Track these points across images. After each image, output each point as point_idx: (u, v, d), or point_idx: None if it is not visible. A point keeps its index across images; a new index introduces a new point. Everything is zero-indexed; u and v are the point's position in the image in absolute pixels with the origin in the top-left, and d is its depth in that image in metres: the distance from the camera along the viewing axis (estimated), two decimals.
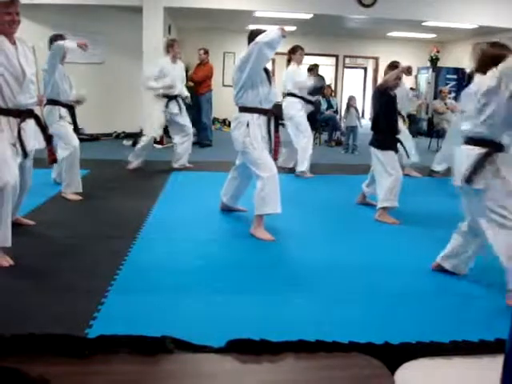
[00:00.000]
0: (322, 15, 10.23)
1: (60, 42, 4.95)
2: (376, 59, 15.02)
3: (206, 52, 9.99)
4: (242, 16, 10.67)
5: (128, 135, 10.44)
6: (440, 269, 3.52)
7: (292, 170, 7.13)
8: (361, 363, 1.38)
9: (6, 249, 3.41)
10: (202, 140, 9.77)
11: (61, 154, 5.13)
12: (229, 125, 9.76)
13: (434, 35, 12.81)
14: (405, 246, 4.23)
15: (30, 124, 3.65)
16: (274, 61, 12.59)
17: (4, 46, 3.36)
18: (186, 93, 7.38)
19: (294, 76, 7.10)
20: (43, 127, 3.88)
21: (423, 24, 10.79)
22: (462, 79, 12.42)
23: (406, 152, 5.39)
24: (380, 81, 6.14)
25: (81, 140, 5.77)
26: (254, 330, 2.49)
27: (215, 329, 2.55)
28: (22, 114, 3.54)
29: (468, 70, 12.08)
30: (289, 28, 4.51)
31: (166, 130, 9.76)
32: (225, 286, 3.23)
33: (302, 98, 7.15)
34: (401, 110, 6.62)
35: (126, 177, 6.68)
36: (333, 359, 1.33)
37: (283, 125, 7.28)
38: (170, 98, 6.95)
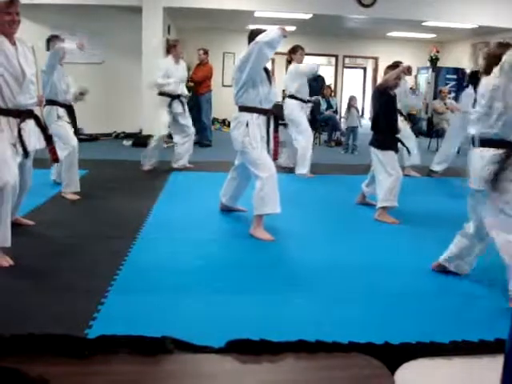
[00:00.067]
0: (321, 15, 10.24)
1: (60, 45, 4.96)
2: (375, 59, 15.02)
3: (206, 52, 9.99)
4: (242, 16, 10.68)
5: (128, 135, 10.45)
6: (441, 269, 3.51)
7: (292, 170, 7.13)
8: (361, 363, 1.38)
9: (5, 249, 3.41)
10: (201, 140, 9.77)
11: (60, 154, 5.13)
12: (228, 125, 9.76)
13: (433, 35, 12.81)
14: (404, 245, 4.23)
15: (30, 124, 3.65)
16: (273, 61, 12.59)
17: (4, 47, 3.36)
18: (187, 92, 7.38)
19: (296, 75, 7.10)
20: (43, 127, 3.88)
21: (423, 24, 10.79)
22: (462, 79, 12.42)
23: (408, 150, 5.38)
24: (380, 81, 6.13)
25: (80, 140, 5.78)
26: (254, 329, 2.49)
27: (215, 329, 2.55)
28: (22, 114, 3.54)
29: (468, 71, 12.12)
30: (288, 28, 4.50)
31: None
32: (225, 285, 3.22)
33: (301, 99, 7.14)
34: (401, 108, 6.61)
35: (126, 177, 6.67)
36: (333, 359, 1.33)
37: (285, 125, 7.29)
38: (173, 97, 6.95)
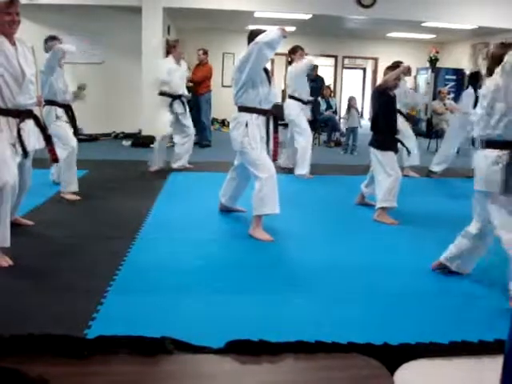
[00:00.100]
0: (321, 16, 10.25)
1: (59, 46, 4.98)
2: (375, 60, 15.03)
3: (205, 52, 9.99)
4: (242, 16, 10.68)
5: (127, 135, 10.45)
6: (441, 268, 3.51)
7: (292, 171, 7.13)
8: (360, 364, 1.38)
9: (4, 249, 3.41)
10: (201, 140, 9.77)
11: (59, 154, 5.13)
12: (228, 125, 9.77)
13: (433, 36, 12.82)
14: (404, 246, 4.23)
15: (29, 124, 3.65)
16: (273, 61, 12.60)
17: (4, 47, 3.36)
18: (187, 93, 7.38)
19: (295, 76, 7.11)
20: (42, 127, 3.88)
21: (423, 25, 10.80)
22: (461, 80, 12.43)
23: (408, 151, 5.38)
24: (379, 81, 6.14)
25: (79, 140, 5.77)
26: (254, 330, 2.49)
27: (214, 329, 2.55)
28: (22, 114, 3.54)
29: (467, 72, 12.12)
30: (288, 28, 4.50)
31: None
32: (224, 286, 3.22)
33: (300, 100, 7.14)
34: (401, 108, 6.61)
35: (125, 177, 6.67)
36: (332, 360, 1.32)
37: (285, 125, 7.30)
38: (174, 97, 6.94)
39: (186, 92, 7.24)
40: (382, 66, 10.86)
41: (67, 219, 4.68)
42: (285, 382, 1.23)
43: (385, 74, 5.08)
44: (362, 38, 13.85)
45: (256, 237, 4.19)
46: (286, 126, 7.64)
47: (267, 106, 4.34)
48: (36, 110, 3.86)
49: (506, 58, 2.92)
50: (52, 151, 3.99)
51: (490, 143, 3.10)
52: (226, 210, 4.95)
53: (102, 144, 9.97)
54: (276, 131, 4.46)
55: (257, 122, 4.28)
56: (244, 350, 1.25)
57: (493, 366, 1.56)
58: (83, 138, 8.81)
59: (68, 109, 5.33)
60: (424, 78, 13.26)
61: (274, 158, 4.49)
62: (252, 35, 4.21)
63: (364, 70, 18.06)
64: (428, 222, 4.89)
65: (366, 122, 11.59)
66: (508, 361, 1.42)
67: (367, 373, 1.37)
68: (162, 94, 6.99)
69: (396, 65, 5.24)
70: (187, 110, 7.11)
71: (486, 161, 3.08)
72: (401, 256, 3.95)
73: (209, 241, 4.14)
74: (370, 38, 13.86)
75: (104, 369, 1.08)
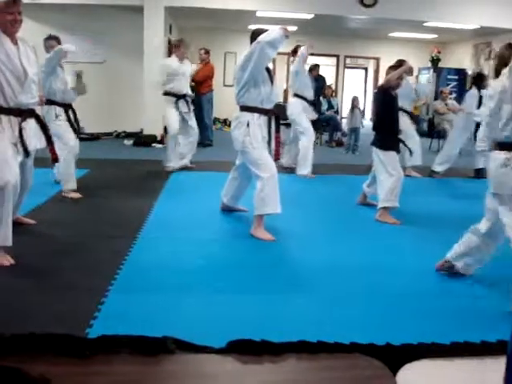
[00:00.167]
0: (323, 15, 10.25)
1: (61, 47, 4.99)
2: (377, 60, 15.02)
3: (207, 52, 9.98)
4: (244, 16, 10.68)
5: (128, 135, 10.45)
6: (446, 268, 3.46)
7: (294, 171, 7.13)
8: (362, 364, 1.37)
9: (6, 248, 3.41)
10: (202, 140, 9.76)
11: (59, 153, 5.13)
12: (229, 125, 9.77)
13: (435, 35, 12.81)
14: (406, 246, 4.22)
15: (30, 123, 3.65)
16: (274, 60, 12.58)
17: (6, 46, 3.36)
18: (191, 92, 7.36)
19: (296, 75, 7.12)
20: (44, 127, 3.88)
21: (424, 24, 10.80)
22: (463, 80, 12.42)
23: (410, 151, 5.37)
24: (381, 81, 6.13)
25: (81, 139, 5.77)
26: (255, 329, 2.49)
27: (216, 328, 2.55)
28: (24, 113, 3.54)
29: (469, 72, 12.12)
30: (290, 28, 4.50)
31: (165, 129, 9.79)
32: (226, 285, 3.22)
33: (304, 98, 7.14)
34: (407, 106, 6.59)
35: (127, 176, 6.68)
36: (334, 360, 1.32)
37: (287, 125, 7.29)
38: (179, 97, 6.93)
39: (189, 91, 7.23)
40: (384, 65, 10.84)
41: (69, 218, 4.68)
42: (287, 381, 1.23)
43: (387, 73, 5.07)
44: (364, 37, 13.84)
45: (258, 236, 4.19)
46: (288, 125, 7.64)
47: (269, 106, 4.33)
48: (37, 110, 3.85)
49: None
50: (52, 151, 3.98)
51: (498, 145, 3.07)
52: (227, 210, 4.95)
53: (104, 143, 9.97)
54: (278, 131, 4.46)
55: (258, 122, 4.28)
56: (246, 349, 1.25)
57: (495, 366, 1.55)
58: (85, 137, 8.82)
59: (67, 108, 5.32)
60: (426, 78, 13.25)
61: (276, 158, 4.49)
62: (254, 35, 4.20)
63: (366, 69, 18.06)
64: (430, 222, 4.89)
65: (367, 122, 11.59)
66: (511, 362, 1.41)
67: (369, 373, 1.36)
68: (166, 93, 6.97)
69: (399, 64, 5.23)
70: (191, 109, 7.10)
71: (494, 163, 3.06)
72: (403, 256, 3.95)
73: (210, 240, 4.13)
74: (371, 37, 13.85)
75: (106, 369, 1.08)
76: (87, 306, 2.79)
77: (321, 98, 10.72)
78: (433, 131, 10.82)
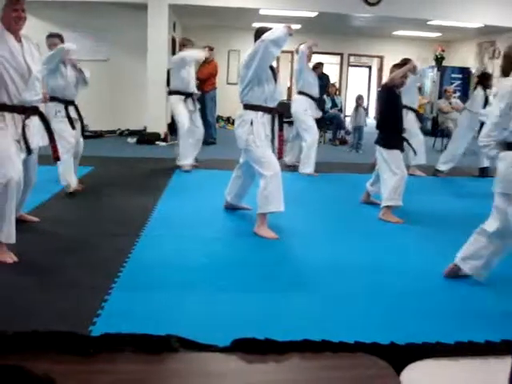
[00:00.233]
0: (327, 13, 10.22)
1: (62, 46, 5.00)
2: (381, 58, 14.99)
3: (211, 50, 9.97)
4: (247, 14, 10.66)
5: (132, 132, 10.46)
6: (455, 274, 3.38)
7: (297, 169, 7.12)
8: (366, 363, 1.37)
9: (10, 245, 3.41)
10: (206, 138, 9.73)
11: (61, 151, 5.12)
12: (233, 123, 9.76)
13: (439, 34, 12.78)
14: (409, 245, 4.21)
15: (34, 121, 3.64)
16: (278, 59, 12.57)
17: (10, 43, 3.36)
18: (196, 91, 7.34)
19: (300, 72, 7.12)
20: (47, 124, 3.87)
21: (428, 23, 10.76)
22: (467, 79, 12.39)
23: (414, 150, 5.35)
24: (385, 79, 6.12)
25: (85, 137, 5.77)
26: (259, 328, 2.48)
27: (219, 327, 2.55)
28: (27, 110, 3.54)
29: (473, 70, 12.08)
30: (294, 26, 4.48)
31: (170, 128, 9.79)
32: (229, 284, 3.22)
33: (309, 95, 7.13)
34: (408, 104, 6.56)
35: (130, 174, 6.68)
36: (338, 359, 1.31)
37: (291, 123, 7.28)
38: (186, 95, 6.91)
39: (196, 90, 7.21)
40: (388, 64, 10.82)
41: (72, 216, 4.68)
42: (291, 380, 1.22)
43: (391, 71, 5.06)
44: (368, 35, 13.81)
45: (261, 235, 4.18)
46: (290, 123, 7.63)
47: (273, 104, 4.33)
48: (41, 107, 3.85)
49: None
50: (54, 149, 3.98)
51: (507, 145, 3.05)
52: (231, 208, 4.95)
53: (107, 141, 9.97)
54: (281, 129, 4.45)
55: (262, 120, 4.27)
56: (250, 348, 1.24)
57: (500, 366, 1.55)
58: (88, 135, 8.82)
59: (69, 104, 5.31)
60: (430, 77, 13.22)
61: (280, 156, 4.48)
62: (258, 33, 4.20)
63: (369, 68, 18.03)
64: (434, 221, 4.87)
65: (371, 121, 11.57)
66: None
67: (373, 372, 1.36)
68: (172, 92, 6.93)
69: (404, 62, 5.22)
70: (197, 108, 7.08)
71: (503, 163, 3.04)
72: (406, 255, 3.94)
73: (214, 238, 4.13)
74: (375, 35, 13.82)
75: (110, 367, 1.07)
76: (90, 303, 2.79)
77: (324, 97, 10.70)
78: (437, 130, 10.80)
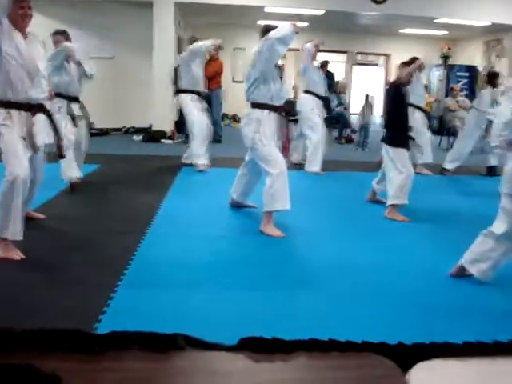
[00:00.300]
0: (333, 11, 10.19)
1: (65, 45, 5.04)
2: (387, 56, 14.93)
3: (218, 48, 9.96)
4: (252, 11, 10.64)
5: (137, 130, 10.46)
6: (460, 274, 3.35)
7: (303, 167, 7.10)
8: (373, 363, 1.34)
9: (16, 242, 3.42)
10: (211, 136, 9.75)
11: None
12: (238, 121, 9.74)
13: (445, 32, 12.72)
14: (415, 243, 4.20)
15: (40, 118, 3.64)
16: (284, 57, 12.53)
17: (16, 40, 3.36)
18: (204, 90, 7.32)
19: (305, 71, 7.12)
20: (53, 122, 3.87)
21: (435, 21, 10.72)
22: (474, 77, 12.32)
23: (420, 149, 5.33)
24: (392, 78, 6.09)
25: (90, 134, 5.77)
26: (264, 326, 2.48)
27: (225, 324, 2.54)
28: (33, 108, 3.54)
29: (480, 69, 12.02)
30: (300, 24, 4.47)
31: (176, 125, 9.78)
32: (234, 282, 3.21)
33: (315, 94, 7.12)
34: (415, 102, 6.53)
35: (136, 172, 6.69)
36: (345, 359, 1.29)
37: (296, 121, 7.25)
38: (194, 93, 6.90)
39: (203, 89, 7.18)
40: (395, 62, 10.79)
41: (78, 213, 4.69)
42: (298, 379, 1.20)
43: (399, 69, 5.04)
44: (375, 34, 13.76)
45: (267, 233, 4.17)
46: (296, 121, 7.61)
47: (279, 103, 4.32)
48: (47, 105, 3.85)
49: None
50: (60, 147, 3.98)
51: None
52: (236, 206, 4.94)
53: (113, 139, 9.98)
54: (287, 127, 4.44)
55: (268, 119, 4.26)
56: (257, 347, 1.23)
57: (508, 367, 1.51)
58: (94, 133, 8.84)
59: (72, 100, 5.31)
60: (436, 75, 13.16)
61: (285, 155, 4.47)
62: (264, 31, 4.19)
63: (376, 66, 17.95)
64: (440, 219, 4.86)
65: (377, 119, 11.53)
66: None
67: (380, 372, 1.33)
68: (184, 91, 6.89)
69: (411, 61, 5.19)
70: (205, 107, 7.05)
71: (511, 162, 3.02)
72: (412, 254, 3.92)
73: (219, 236, 4.13)
74: (382, 34, 13.78)
75: (116, 365, 1.06)
76: (96, 301, 2.79)
77: (331, 95, 10.66)
78: (443, 128, 10.75)
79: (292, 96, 12.06)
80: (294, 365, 1.43)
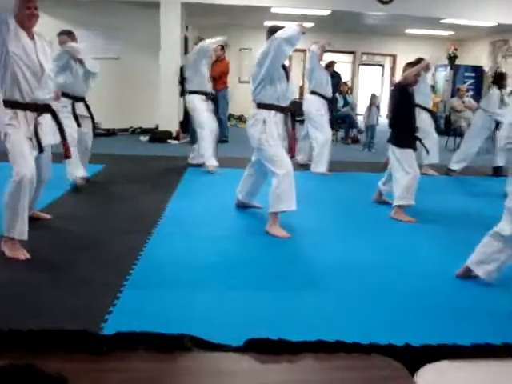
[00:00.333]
0: (340, 11, 10.17)
1: (71, 44, 5.06)
2: (393, 56, 14.90)
3: (223, 48, 9.96)
4: (259, 12, 10.64)
5: (144, 131, 10.47)
6: (466, 275, 3.33)
7: (309, 167, 7.09)
8: (380, 364, 1.34)
9: (22, 242, 3.42)
10: (218, 136, 9.75)
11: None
12: (244, 121, 9.75)
13: (451, 32, 12.69)
14: (421, 244, 4.18)
15: (46, 119, 3.65)
16: (290, 57, 12.53)
17: (23, 40, 3.36)
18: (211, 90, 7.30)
19: (312, 72, 7.11)
20: (59, 122, 3.88)
21: (441, 21, 10.69)
22: (480, 77, 12.29)
23: (426, 150, 5.30)
24: (398, 78, 6.07)
25: (97, 135, 5.79)
26: (270, 326, 2.47)
27: (230, 325, 2.54)
28: (39, 108, 3.55)
29: (487, 69, 11.98)
30: (307, 24, 4.46)
31: (182, 125, 9.79)
32: (240, 282, 3.21)
33: (321, 95, 7.11)
34: (422, 103, 6.49)
35: (143, 172, 6.69)
36: (352, 360, 1.30)
37: (302, 121, 7.25)
38: (202, 94, 6.89)
39: (210, 89, 7.17)
40: (401, 62, 10.76)
41: (84, 213, 4.69)
42: (304, 381, 1.21)
43: (405, 70, 5.02)
44: (381, 34, 13.74)
45: (273, 233, 4.17)
46: (301, 122, 7.61)
47: (285, 103, 4.31)
48: (53, 105, 3.85)
49: None
50: (66, 147, 3.98)
51: None
52: (242, 206, 4.93)
53: (120, 139, 10.00)
54: (293, 128, 4.43)
55: (275, 119, 4.26)
56: (263, 348, 1.23)
57: None
58: (101, 133, 8.85)
59: (77, 101, 5.32)
60: (443, 75, 13.12)
61: (292, 155, 4.46)
62: (271, 31, 4.18)
63: (382, 66, 17.93)
64: (446, 220, 4.84)
65: (383, 119, 11.50)
66: None
67: (387, 374, 1.33)
68: (193, 92, 6.88)
69: (417, 61, 5.17)
70: (211, 108, 7.04)
71: None
72: (418, 254, 3.91)
73: (225, 237, 4.12)
74: (388, 34, 13.75)
75: (122, 365, 1.07)
76: (102, 301, 2.79)
77: (337, 95, 10.65)
78: (449, 129, 10.72)
79: (298, 97, 12.07)
80: (300, 366, 1.42)
